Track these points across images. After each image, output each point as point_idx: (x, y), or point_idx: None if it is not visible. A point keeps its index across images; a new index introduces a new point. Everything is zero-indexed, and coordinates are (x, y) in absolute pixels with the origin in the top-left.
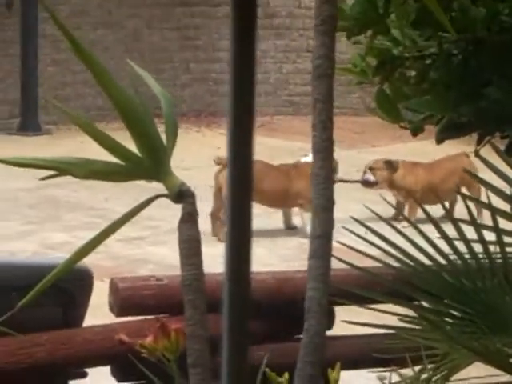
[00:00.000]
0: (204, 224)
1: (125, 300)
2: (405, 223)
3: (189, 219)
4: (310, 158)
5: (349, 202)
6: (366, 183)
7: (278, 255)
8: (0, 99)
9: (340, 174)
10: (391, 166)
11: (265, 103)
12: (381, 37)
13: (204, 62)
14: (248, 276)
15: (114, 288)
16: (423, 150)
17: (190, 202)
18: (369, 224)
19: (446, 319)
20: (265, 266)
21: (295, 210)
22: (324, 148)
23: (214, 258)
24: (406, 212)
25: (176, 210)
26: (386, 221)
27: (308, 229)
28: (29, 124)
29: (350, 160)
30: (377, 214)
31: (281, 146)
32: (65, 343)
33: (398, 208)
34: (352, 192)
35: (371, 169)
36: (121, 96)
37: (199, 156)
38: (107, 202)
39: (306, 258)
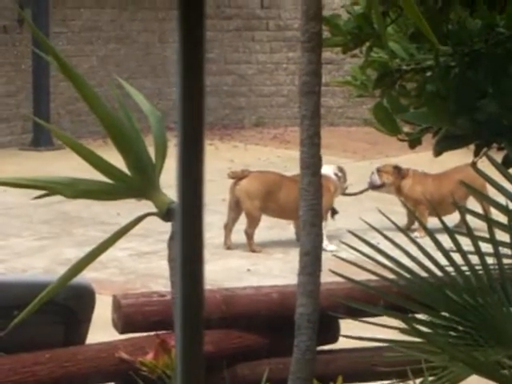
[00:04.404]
0: (217, 238)
1: (128, 317)
2: (416, 233)
3: None
4: (323, 170)
5: (361, 212)
6: (373, 186)
7: (288, 268)
8: (12, 114)
9: (352, 185)
10: (399, 172)
11: (278, 115)
12: (378, 50)
13: (216, 74)
14: (201, 295)
15: (116, 305)
16: (436, 160)
17: None
18: (382, 233)
19: (441, 331)
20: (275, 278)
21: None
22: (312, 164)
23: (226, 272)
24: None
25: None
26: (401, 230)
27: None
28: (41, 139)
29: (362, 171)
30: (393, 222)
31: (294, 158)
32: (67, 361)
33: (409, 218)
34: (366, 202)
35: (379, 171)
36: (107, 114)
37: (212, 169)
38: (119, 216)
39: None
